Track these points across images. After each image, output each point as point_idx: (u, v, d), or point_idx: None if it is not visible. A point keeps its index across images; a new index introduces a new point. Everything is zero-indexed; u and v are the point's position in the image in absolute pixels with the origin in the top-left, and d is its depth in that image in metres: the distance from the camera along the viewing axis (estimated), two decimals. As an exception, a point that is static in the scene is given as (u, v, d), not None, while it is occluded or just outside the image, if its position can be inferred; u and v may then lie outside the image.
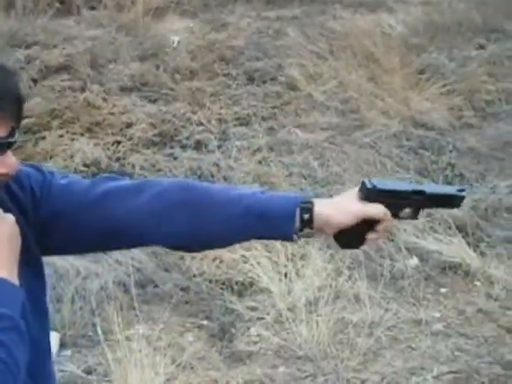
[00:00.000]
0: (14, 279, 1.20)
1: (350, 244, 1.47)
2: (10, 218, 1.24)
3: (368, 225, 1.42)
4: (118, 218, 1.35)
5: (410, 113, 5.99)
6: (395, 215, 1.44)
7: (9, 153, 1.19)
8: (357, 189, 1.42)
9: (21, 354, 1.14)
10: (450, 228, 4.51)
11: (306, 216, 1.36)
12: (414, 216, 1.47)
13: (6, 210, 1.26)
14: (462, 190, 1.49)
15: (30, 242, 1.30)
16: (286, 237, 1.40)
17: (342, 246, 1.47)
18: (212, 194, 1.39)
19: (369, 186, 1.39)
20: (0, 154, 1.18)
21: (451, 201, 1.50)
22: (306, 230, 1.38)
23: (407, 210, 1.45)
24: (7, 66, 1.19)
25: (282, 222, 1.36)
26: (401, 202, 1.43)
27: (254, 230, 1.38)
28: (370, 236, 1.42)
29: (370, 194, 1.40)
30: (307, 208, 1.37)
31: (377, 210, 1.40)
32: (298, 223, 1.37)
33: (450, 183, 5.22)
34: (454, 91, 6.27)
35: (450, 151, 5.57)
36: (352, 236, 1.43)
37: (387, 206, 1.41)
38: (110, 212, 1.35)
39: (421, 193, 1.44)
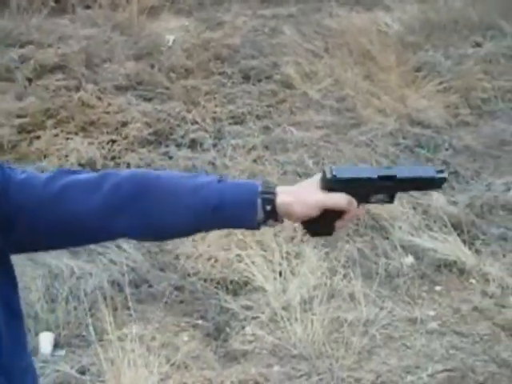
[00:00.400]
0: None
1: (319, 232, 1.41)
2: None
3: (334, 213, 1.36)
4: (77, 213, 1.33)
5: (407, 111, 5.98)
6: (366, 201, 1.37)
7: None
8: (318, 177, 1.36)
9: None
10: (445, 226, 4.50)
11: (268, 208, 1.33)
12: (390, 200, 1.38)
13: None
14: (441, 171, 1.38)
15: None
16: (250, 227, 1.37)
17: (312, 234, 1.41)
18: (168, 185, 1.37)
19: (328, 175, 1.32)
20: None
21: (429, 183, 1.40)
22: (270, 221, 1.35)
23: (379, 196, 1.37)
24: None
25: (242, 213, 1.33)
26: (367, 190, 1.35)
27: (212, 221, 1.35)
28: (338, 224, 1.38)
29: (330, 184, 1.33)
30: (268, 199, 1.33)
31: (338, 199, 1.34)
32: (261, 214, 1.34)
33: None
34: (450, 89, 6.26)
35: (446, 149, 5.57)
36: (320, 224, 1.37)
37: (353, 194, 1.34)
38: (68, 206, 1.33)
39: (390, 178, 1.34)
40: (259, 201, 1.33)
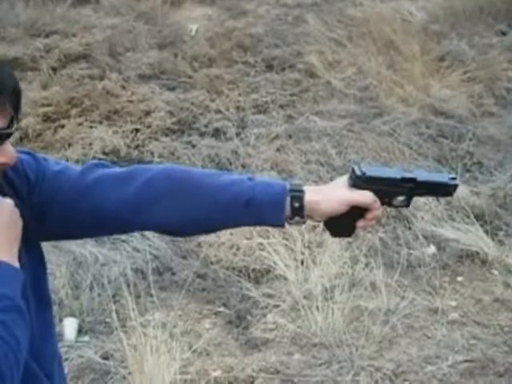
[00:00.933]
0: (15, 262, 1.22)
1: (341, 232, 1.45)
2: (10, 202, 1.27)
3: (358, 212, 1.40)
4: (108, 205, 1.37)
5: (430, 100, 5.95)
6: (389, 203, 1.42)
7: (8, 142, 1.22)
8: (347, 176, 1.41)
9: (22, 333, 1.16)
10: (467, 216, 4.48)
11: (297, 204, 1.37)
12: (408, 204, 1.44)
13: (4, 196, 1.29)
14: (454, 179, 1.45)
15: (28, 226, 1.32)
16: (277, 224, 1.40)
17: (333, 233, 1.46)
18: (201, 181, 1.40)
19: (358, 173, 1.37)
20: None
21: (443, 189, 1.46)
22: (296, 218, 1.38)
23: (400, 198, 1.42)
24: (1, 60, 1.21)
25: (272, 210, 1.36)
26: (391, 190, 1.41)
27: (242, 217, 1.39)
28: (360, 224, 1.42)
29: (358, 181, 1.37)
30: (298, 196, 1.37)
31: (365, 197, 1.38)
32: (288, 211, 1.37)
33: (468, 171, 5.19)
34: (474, 79, 6.22)
35: (470, 139, 5.53)
36: (342, 223, 1.41)
37: (377, 193, 1.39)
38: (100, 198, 1.37)
39: (411, 180, 1.41)
40: (288, 198, 1.37)
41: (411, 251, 4.34)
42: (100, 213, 1.37)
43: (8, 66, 1.22)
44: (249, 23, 6.88)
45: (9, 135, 1.21)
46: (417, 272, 4.21)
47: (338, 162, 5.24)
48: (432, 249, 4.39)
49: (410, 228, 4.53)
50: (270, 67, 6.35)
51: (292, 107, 5.90)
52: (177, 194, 1.37)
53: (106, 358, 3.53)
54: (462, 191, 4.76)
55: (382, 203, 1.41)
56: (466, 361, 3.45)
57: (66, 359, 3.41)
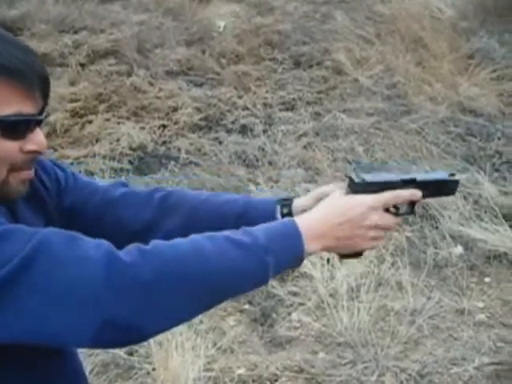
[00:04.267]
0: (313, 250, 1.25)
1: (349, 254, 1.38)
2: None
3: None
4: (131, 222, 1.45)
5: (459, 98, 5.90)
6: (395, 213, 1.35)
7: (38, 130, 1.22)
8: (341, 190, 1.34)
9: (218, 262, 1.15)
10: (495, 216, 4.44)
11: (285, 210, 1.42)
12: (411, 211, 1.38)
13: (36, 192, 1.32)
14: (454, 175, 1.40)
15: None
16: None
17: (341, 256, 1.39)
18: (206, 200, 1.48)
19: (357, 180, 1.31)
20: (30, 131, 1.20)
21: (445, 187, 1.41)
22: None
23: (404, 206, 1.36)
24: (30, 48, 1.22)
25: (264, 219, 1.33)
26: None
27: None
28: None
29: (359, 188, 1.31)
30: (287, 204, 1.43)
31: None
32: (279, 218, 1.40)
33: (497, 170, 5.13)
34: (504, 77, 6.15)
35: (499, 138, 5.47)
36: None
37: None
38: (125, 214, 1.45)
39: (411, 181, 1.35)
40: (278, 207, 1.44)
41: (438, 251, 4.31)
42: (122, 226, 1.45)
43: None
44: (276, 20, 6.87)
45: (39, 122, 1.21)
46: (444, 272, 4.18)
47: (365, 159, 5.21)
48: (459, 249, 4.34)
49: (437, 227, 4.50)
50: (297, 64, 6.33)
51: (319, 104, 5.88)
52: (183, 213, 1.45)
53: (130, 354, 3.55)
54: (490, 190, 4.71)
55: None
56: (492, 363, 3.41)
57: (91, 354, 3.43)
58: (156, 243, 1.15)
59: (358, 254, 1.34)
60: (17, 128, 1.17)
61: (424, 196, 1.38)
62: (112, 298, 1.06)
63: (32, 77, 1.17)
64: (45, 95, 1.22)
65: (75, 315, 1.05)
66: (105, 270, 1.07)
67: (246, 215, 1.42)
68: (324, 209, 1.28)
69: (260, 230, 1.21)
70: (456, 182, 1.40)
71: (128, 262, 1.09)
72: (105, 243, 1.12)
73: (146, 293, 1.08)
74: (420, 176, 1.37)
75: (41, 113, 1.21)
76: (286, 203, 1.43)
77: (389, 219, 1.31)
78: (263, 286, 1.21)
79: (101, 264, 1.07)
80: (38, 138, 1.21)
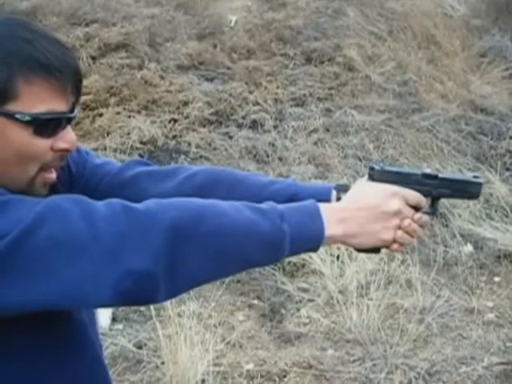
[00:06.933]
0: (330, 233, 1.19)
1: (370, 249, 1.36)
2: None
3: None
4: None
5: (470, 97, 5.88)
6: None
7: (69, 128, 1.20)
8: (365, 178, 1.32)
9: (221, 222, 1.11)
10: (506, 215, 4.43)
11: (342, 195, 1.31)
12: (433, 209, 1.35)
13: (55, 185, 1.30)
14: (478, 177, 1.37)
15: None
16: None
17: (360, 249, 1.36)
18: (243, 178, 1.39)
19: (377, 167, 1.30)
20: (61, 128, 1.18)
21: (468, 188, 1.38)
22: None
23: (426, 204, 1.33)
24: (64, 42, 1.20)
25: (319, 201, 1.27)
26: (413, 187, 1.32)
27: None
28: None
29: (378, 176, 1.29)
30: (343, 190, 1.33)
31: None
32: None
33: (508, 169, 5.12)
34: (516, 75, 6.13)
35: (510, 137, 5.45)
36: None
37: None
38: (139, 194, 1.34)
39: (433, 177, 1.33)
40: (334, 191, 1.36)
41: (448, 249, 4.30)
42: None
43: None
44: (288, 15, 6.85)
45: (70, 120, 1.19)
46: (453, 271, 4.17)
47: (376, 156, 5.20)
48: (469, 248, 4.34)
49: (447, 226, 4.49)
50: (308, 60, 6.32)
51: (330, 101, 5.86)
52: (215, 190, 1.35)
53: (139, 347, 3.56)
54: (501, 189, 4.70)
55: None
56: (501, 363, 3.41)
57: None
58: (171, 199, 1.13)
59: (376, 250, 1.31)
60: (49, 126, 1.15)
61: (446, 195, 1.36)
62: (131, 243, 1.04)
63: (67, 74, 1.15)
64: (77, 92, 1.20)
65: (95, 266, 1.03)
66: (123, 216, 1.06)
67: (298, 196, 1.33)
68: (347, 195, 1.26)
69: (281, 205, 1.18)
70: (479, 185, 1.38)
71: (144, 209, 1.07)
72: (115, 199, 1.10)
73: (163, 240, 1.05)
74: (442, 174, 1.35)
75: (72, 110, 1.19)
76: (343, 189, 1.33)
77: (411, 211, 1.28)
78: (279, 258, 1.16)
79: (116, 212, 1.06)
80: (68, 136, 1.19)
